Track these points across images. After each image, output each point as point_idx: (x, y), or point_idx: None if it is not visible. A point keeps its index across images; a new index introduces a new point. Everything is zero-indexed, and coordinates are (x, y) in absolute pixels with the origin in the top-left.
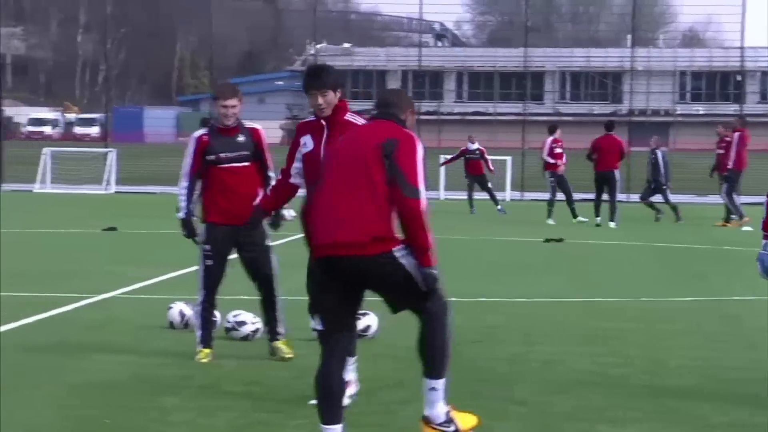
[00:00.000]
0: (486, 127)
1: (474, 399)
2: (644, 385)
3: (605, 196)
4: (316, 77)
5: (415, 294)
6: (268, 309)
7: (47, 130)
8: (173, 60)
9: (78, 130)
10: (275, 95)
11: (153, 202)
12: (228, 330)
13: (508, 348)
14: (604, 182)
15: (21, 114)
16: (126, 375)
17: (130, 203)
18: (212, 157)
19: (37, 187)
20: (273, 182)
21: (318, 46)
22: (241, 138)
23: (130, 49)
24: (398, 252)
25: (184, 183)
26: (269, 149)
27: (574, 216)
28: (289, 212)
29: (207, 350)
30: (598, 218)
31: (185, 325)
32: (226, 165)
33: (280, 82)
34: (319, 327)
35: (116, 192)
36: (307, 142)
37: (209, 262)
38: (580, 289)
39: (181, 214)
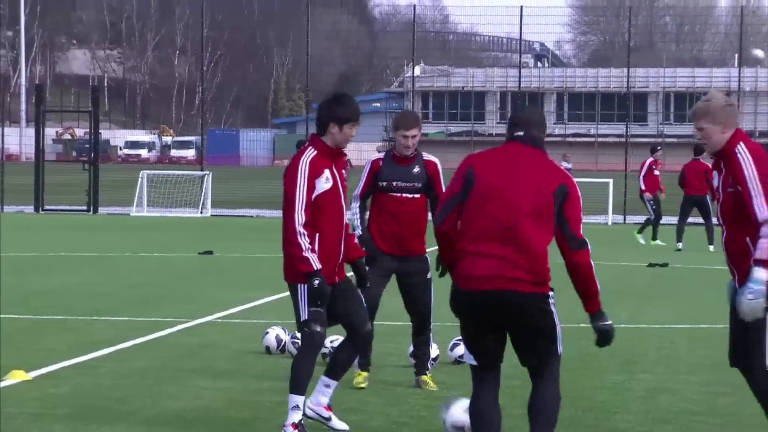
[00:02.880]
0: (587, 149)
1: (575, 428)
2: (754, 414)
3: (689, 219)
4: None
5: (548, 347)
6: (420, 343)
7: (143, 153)
8: (269, 82)
9: (174, 152)
10: (372, 117)
11: (249, 226)
12: (325, 356)
13: (610, 376)
14: (692, 207)
15: (117, 137)
16: (223, 401)
17: (227, 226)
18: (384, 183)
19: (134, 211)
20: None
21: (416, 67)
22: (416, 169)
23: (225, 71)
24: (552, 298)
25: (354, 204)
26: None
27: (654, 238)
28: None
29: (365, 373)
30: (680, 243)
31: (282, 350)
32: (397, 194)
33: (377, 104)
34: (473, 362)
35: (212, 215)
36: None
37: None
38: (686, 316)
39: (359, 231)
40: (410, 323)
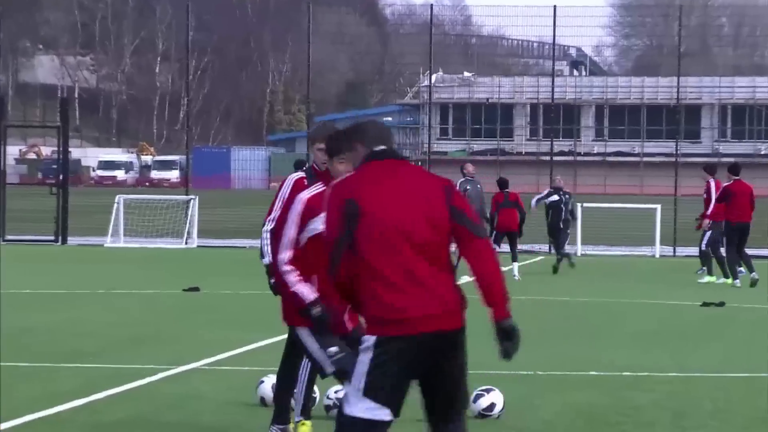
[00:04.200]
0: (631, 170)
1: None
2: None
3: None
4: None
5: (462, 395)
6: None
7: (120, 174)
8: (264, 92)
9: (155, 174)
10: None
11: (241, 258)
12: (329, 408)
13: (657, 431)
14: (739, 235)
15: (90, 156)
16: None
17: (215, 259)
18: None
19: (108, 242)
20: None
21: (434, 75)
22: None
23: (214, 80)
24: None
25: (266, 228)
26: None
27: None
28: None
29: (309, 422)
30: (736, 281)
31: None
32: None
33: (389, 119)
34: (387, 418)
35: (198, 246)
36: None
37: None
38: (744, 363)
39: (268, 260)
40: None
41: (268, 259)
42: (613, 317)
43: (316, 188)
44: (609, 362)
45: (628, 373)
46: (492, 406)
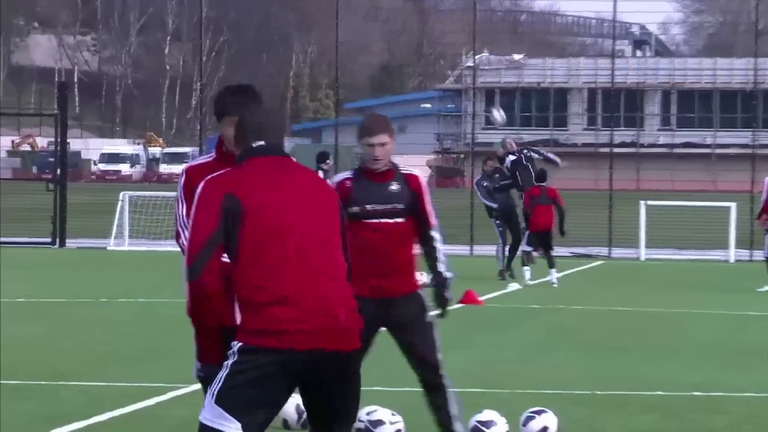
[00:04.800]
0: (702, 163)
1: None
2: None
3: None
4: (247, 97)
5: (351, 414)
6: (438, 405)
7: (124, 168)
8: (287, 77)
9: (164, 168)
10: (420, 122)
11: None
12: None
13: None
14: None
15: (91, 148)
16: None
17: None
18: (356, 209)
19: (111, 244)
20: (436, 243)
21: (477, 57)
22: (394, 186)
23: (231, 62)
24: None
25: None
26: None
27: None
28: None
29: None
30: None
31: (303, 424)
32: (374, 220)
33: (427, 105)
34: None
35: None
36: None
37: None
38: None
39: None
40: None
41: None
42: (681, 330)
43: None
44: (676, 381)
45: (698, 393)
46: (545, 429)
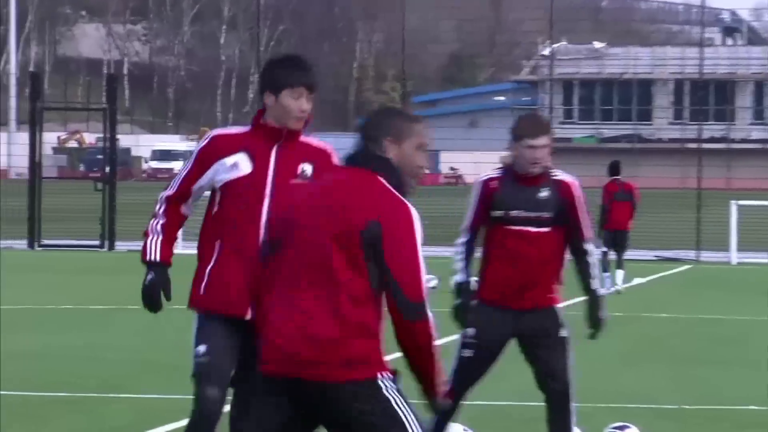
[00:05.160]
0: None
1: None
2: None
3: None
4: (307, 69)
5: None
6: (558, 426)
7: (177, 166)
8: (350, 68)
9: None
10: (493, 116)
11: None
12: None
13: None
14: None
15: (142, 144)
16: None
17: None
18: (500, 212)
19: (180, 246)
20: (589, 258)
21: (555, 45)
22: (544, 193)
23: (290, 53)
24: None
25: (461, 239)
26: (582, 209)
27: None
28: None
29: None
30: None
31: None
32: (518, 227)
33: (501, 98)
34: None
35: None
36: (239, 162)
37: (467, 353)
38: None
39: (460, 277)
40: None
41: (461, 277)
42: None
43: (231, 129)
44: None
45: None
46: None
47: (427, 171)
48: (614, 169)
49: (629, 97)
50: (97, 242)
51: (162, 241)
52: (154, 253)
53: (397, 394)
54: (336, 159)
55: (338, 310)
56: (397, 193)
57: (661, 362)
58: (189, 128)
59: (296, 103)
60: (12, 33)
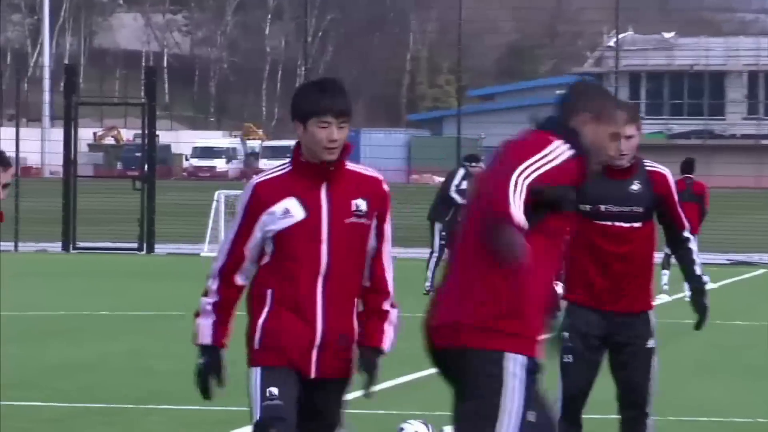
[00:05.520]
0: None
1: None
2: None
3: None
4: (335, 94)
5: None
6: None
7: (220, 164)
8: (403, 61)
9: (264, 163)
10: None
11: None
12: None
13: None
14: None
15: (182, 141)
16: None
17: None
18: (587, 207)
19: (205, 250)
20: (690, 244)
21: (621, 36)
22: (635, 186)
23: (339, 44)
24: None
25: None
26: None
27: None
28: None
29: None
30: None
31: None
32: (607, 222)
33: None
34: None
35: None
36: (289, 209)
37: (568, 359)
38: None
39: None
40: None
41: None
42: None
43: (275, 171)
44: None
45: None
46: None
47: (616, 161)
48: (687, 166)
49: (700, 90)
50: (135, 245)
51: (214, 324)
52: (206, 337)
53: None
54: (386, 187)
55: None
56: None
57: (735, 373)
58: (232, 124)
59: (325, 133)
60: (45, 23)
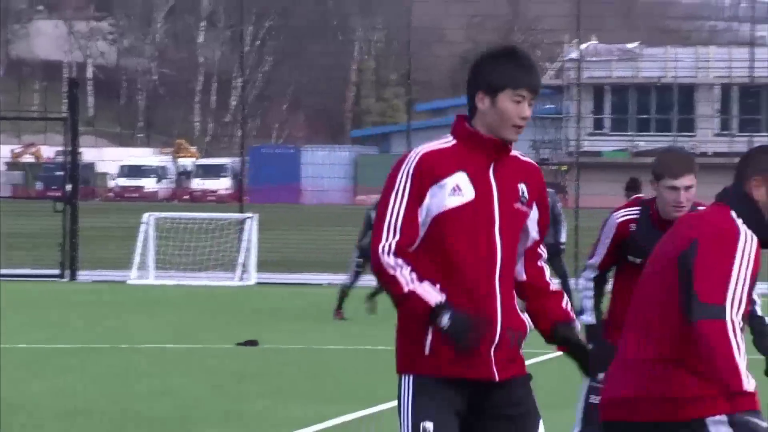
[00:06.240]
0: None
1: None
2: None
3: None
4: (531, 67)
5: None
6: None
7: (149, 184)
8: (347, 71)
9: (197, 183)
10: None
11: (316, 300)
12: None
13: None
14: None
15: (108, 159)
16: None
17: (280, 301)
18: (638, 260)
19: (133, 277)
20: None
21: (583, 46)
22: None
23: (279, 54)
24: (715, 424)
25: (587, 275)
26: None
27: None
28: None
29: None
30: None
31: None
32: None
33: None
34: None
35: (258, 283)
36: (460, 185)
37: (595, 399)
38: None
39: (588, 318)
40: None
41: (591, 319)
42: None
43: (438, 143)
44: None
45: None
46: None
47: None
48: (633, 186)
49: (668, 104)
50: (56, 271)
51: (431, 283)
52: (436, 294)
53: None
54: (543, 177)
55: None
56: (729, 220)
57: None
58: (162, 141)
59: (517, 109)
60: None
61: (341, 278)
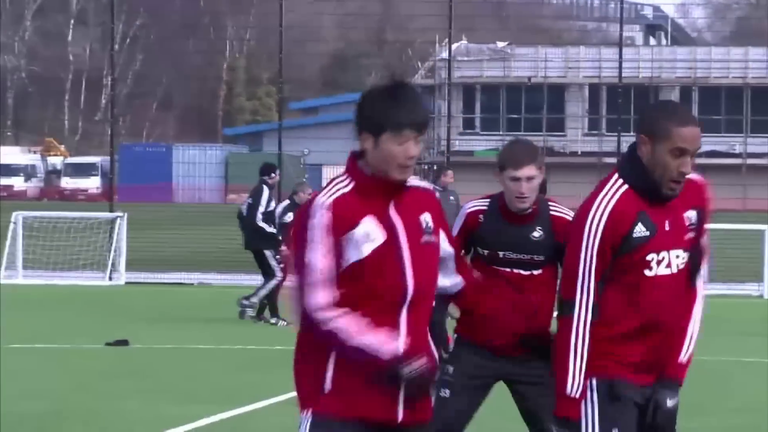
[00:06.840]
0: (729, 176)
1: None
2: None
3: None
4: (416, 104)
5: None
6: None
7: (18, 183)
8: (219, 69)
9: (67, 182)
10: None
11: (186, 300)
12: None
13: None
14: None
15: None
16: None
17: (150, 300)
18: (485, 251)
19: (2, 276)
20: None
21: (455, 45)
22: (537, 233)
23: (150, 52)
24: None
25: None
26: None
27: None
28: None
29: None
30: None
31: None
32: (506, 269)
33: None
34: None
35: (128, 282)
36: (370, 232)
37: (444, 393)
38: None
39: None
40: None
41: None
42: None
43: (340, 186)
44: None
45: None
46: None
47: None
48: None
49: (538, 104)
50: None
51: (385, 332)
52: (393, 346)
53: None
54: (437, 200)
55: None
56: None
57: None
58: (31, 139)
59: (401, 150)
60: None
61: (212, 277)
